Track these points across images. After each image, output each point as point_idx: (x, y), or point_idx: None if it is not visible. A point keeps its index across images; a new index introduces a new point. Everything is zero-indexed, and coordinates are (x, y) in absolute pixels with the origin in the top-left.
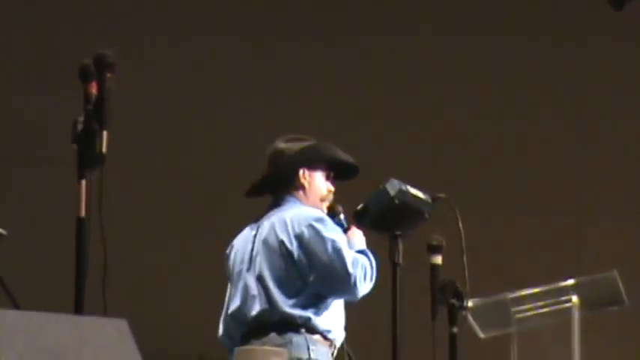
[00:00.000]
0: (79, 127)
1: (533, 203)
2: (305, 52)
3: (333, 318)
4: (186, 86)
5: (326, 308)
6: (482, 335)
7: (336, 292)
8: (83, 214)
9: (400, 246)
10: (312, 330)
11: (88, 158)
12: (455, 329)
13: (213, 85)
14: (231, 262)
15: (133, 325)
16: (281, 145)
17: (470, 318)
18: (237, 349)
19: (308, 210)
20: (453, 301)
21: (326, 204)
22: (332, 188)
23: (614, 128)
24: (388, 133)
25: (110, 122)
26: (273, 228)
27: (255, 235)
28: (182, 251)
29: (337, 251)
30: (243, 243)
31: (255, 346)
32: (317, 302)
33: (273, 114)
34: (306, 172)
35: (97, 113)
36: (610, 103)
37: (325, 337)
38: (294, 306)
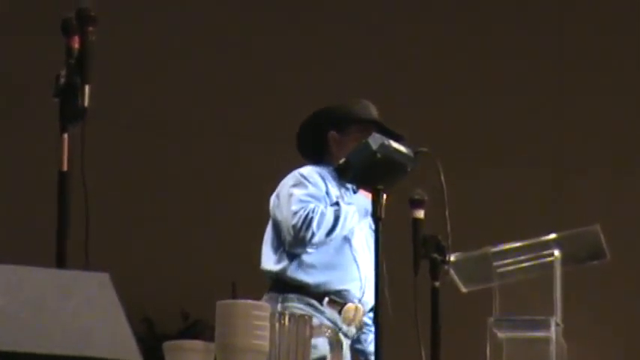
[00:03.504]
0: (62, 81)
1: (513, 156)
2: None
3: (317, 271)
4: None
5: (301, 262)
6: (464, 289)
7: (292, 247)
8: (65, 167)
9: (382, 200)
10: (286, 285)
11: (70, 112)
12: (437, 283)
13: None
14: None
15: (115, 279)
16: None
17: (452, 272)
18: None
19: (297, 170)
20: (435, 255)
21: None
22: None
23: (592, 80)
24: (365, 84)
25: (92, 76)
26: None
27: None
28: (165, 204)
29: (288, 207)
30: None
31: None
32: (290, 258)
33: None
34: (336, 134)
35: (79, 67)
36: (589, 55)
37: (308, 293)
38: (273, 263)
